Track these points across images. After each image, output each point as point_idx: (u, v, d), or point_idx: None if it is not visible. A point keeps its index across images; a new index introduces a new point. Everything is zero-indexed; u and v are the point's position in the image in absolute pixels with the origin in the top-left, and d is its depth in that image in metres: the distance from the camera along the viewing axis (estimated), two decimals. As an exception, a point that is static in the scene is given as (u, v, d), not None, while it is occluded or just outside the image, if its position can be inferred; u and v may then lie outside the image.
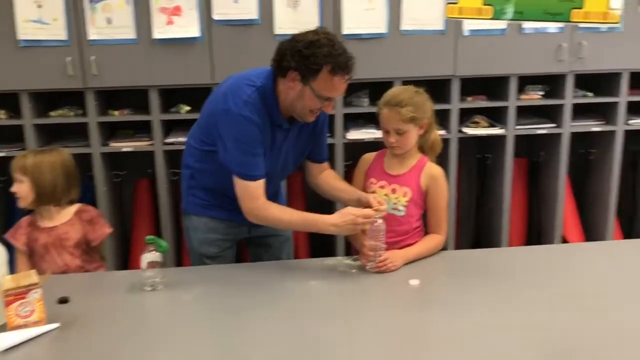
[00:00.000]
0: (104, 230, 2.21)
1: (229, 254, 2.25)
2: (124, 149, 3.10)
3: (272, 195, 2.08)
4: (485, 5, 1.65)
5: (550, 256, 2.20)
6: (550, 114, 3.36)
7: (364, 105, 3.22)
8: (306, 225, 2.04)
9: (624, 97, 3.25)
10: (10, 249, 1.98)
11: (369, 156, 2.25)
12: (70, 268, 2.13)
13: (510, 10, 1.63)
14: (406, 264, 2.01)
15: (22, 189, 2.12)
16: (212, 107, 2.02)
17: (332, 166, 3.21)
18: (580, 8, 1.56)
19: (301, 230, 1.97)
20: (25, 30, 2.86)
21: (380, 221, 1.94)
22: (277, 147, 2.05)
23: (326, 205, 3.47)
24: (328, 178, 2.25)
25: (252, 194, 1.97)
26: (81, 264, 2.16)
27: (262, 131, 1.95)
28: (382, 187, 2.14)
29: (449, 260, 2.14)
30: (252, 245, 2.35)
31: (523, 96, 3.27)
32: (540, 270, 2.00)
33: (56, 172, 2.13)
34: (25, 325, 1.59)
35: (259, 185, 1.97)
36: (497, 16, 1.66)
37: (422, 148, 2.17)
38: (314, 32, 1.89)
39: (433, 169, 2.12)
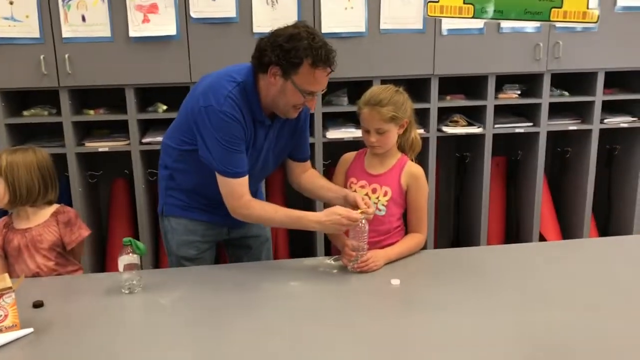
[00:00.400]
0: (81, 233, 2.15)
1: (208, 255, 2.23)
2: (100, 149, 3.05)
3: (252, 194, 2.05)
4: (465, 4, 1.66)
5: (528, 254, 2.22)
6: (528, 113, 3.39)
7: (343, 105, 3.21)
8: (291, 221, 2.01)
9: (599, 96, 3.29)
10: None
11: (349, 156, 2.24)
12: (42, 271, 2.08)
13: (490, 9, 1.64)
14: (387, 263, 2.01)
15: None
16: (191, 105, 1.98)
17: (312, 165, 3.21)
18: (559, 7, 1.57)
19: (285, 227, 1.95)
20: (-3, 28, 2.80)
21: (364, 222, 1.92)
22: (259, 145, 2.03)
23: (306, 204, 3.45)
24: (312, 177, 2.23)
25: (235, 191, 1.95)
26: (55, 267, 2.11)
27: (244, 127, 1.92)
28: (362, 186, 2.13)
29: (429, 259, 2.14)
30: (231, 246, 2.33)
31: (501, 95, 3.29)
32: (519, 269, 2.02)
33: (32, 172, 2.08)
34: (-2, 331, 1.55)
35: (242, 182, 1.95)
36: (477, 15, 1.66)
37: (401, 147, 2.16)
38: (294, 26, 1.87)
39: (413, 168, 2.12)
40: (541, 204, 3.44)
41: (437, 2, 1.72)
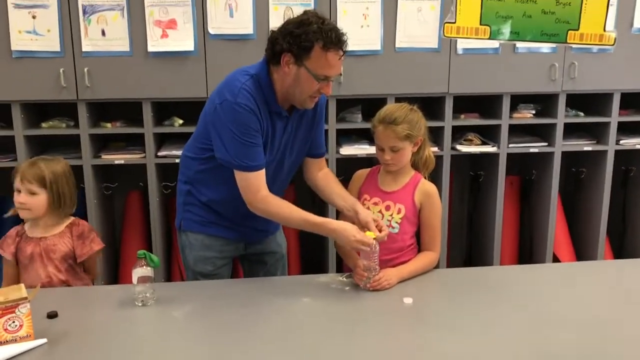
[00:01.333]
0: (92, 246, 2.14)
1: (225, 271, 2.22)
2: (116, 162, 3.08)
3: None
4: (482, 25, 1.67)
5: (541, 275, 2.20)
6: (543, 132, 3.38)
7: (357, 121, 3.23)
8: (307, 225, 1.98)
9: (615, 117, 3.28)
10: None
11: (362, 172, 2.25)
12: (53, 281, 2.09)
13: (507, 31, 1.65)
14: (400, 281, 2.00)
15: (36, 201, 2.06)
16: (208, 108, 2.01)
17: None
18: (576, 30, 1.58)
19: (299, 228, 1.94)
20: (19, 41, 2.85)
21: (375, 244, 1.92)
22: (278, 139, 2.01)
23: (317, 210, 3.46)
24: (327, 180, 2.21)
25: (252, 184, 1.94)
26: (65, 278, 2.11)
27: (259, 119, 1.92)
28: (375, 203, 2.13)
29: (442, 278, 2.14)
30: (247, 261, 2.33)
31: (515, 114, 3.29)
32: (532, 289, 2.00)
33: (70, 182, 2.12)
34: (13, 340, 1.56)
35: (258, 176, 1.94)
36: (494, 36, 1.67)
37: (415, 165, 2.17)
38: (304, 13, 1.91)
39: (427, 186, 2.12)
40: (555, 224, 3.42)
41: (454, 23, 1.73)
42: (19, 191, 2.08)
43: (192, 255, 2.18)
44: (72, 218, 2.18)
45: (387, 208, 2.11)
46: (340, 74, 1.97)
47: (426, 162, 2.17)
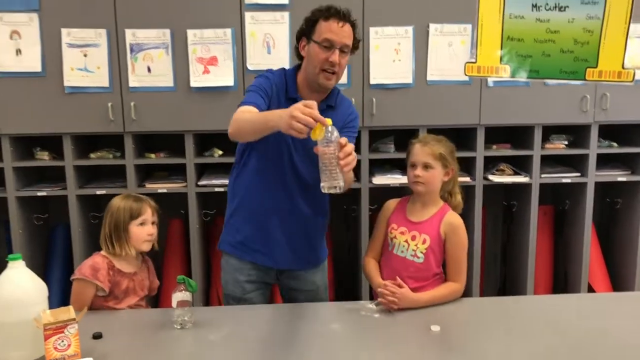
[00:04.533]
0: (156, 282, 2.29)
1: (256, 297, 2.28)
2: (159, 190, 3.22)
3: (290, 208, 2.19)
4: (502, 64, 1.75)
5: (576, 305, 2.20)
6: (575, 162, 3.39)
7: (389, 152, 3.30)
8: (258, 117, 1.95)
9: (649, 147, 3.27)
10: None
11: (392, 202, 2.32)
12: None
13: (526, 69, 1.72)
14: (416, 307, 2.05)
15: (156, 233, 2.20)
16: None
17: (358, 210, 3.30)
18: (594, 67, 1.64)
19: (259, 125, 1.92)
20: (71, 78, 3.04)
21: (330, 128, 1.78)
22: None
23: (350, 239, 3.54)
24: None
25: (237, 110, 2.02)
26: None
27: (271, 85, 2.12)
28: (402, 233, 2.20)
29: (471, 307, 2.16)
30: (284, 291, 2.38)
31: (548, 145, 3.32)
32: (566, 320, 2.00)
33: None
34: (62, 359, 1.67)
35: (245, 108, 2.01)
36: (514, 75, 1.74)
37: (444, 199, 2.23)
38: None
39: (452, 218, 2.17)
40: (590, 255, 3.40)
41: (475, 62, 1.81)
42: (142, 224, 2.17)
43: (225, 277, 2.29)
44: (142, 254, 2.26)
45: (413, 238, 2.17)
46: (350, 47, 2.09)
47: (456, 208, 2.23)
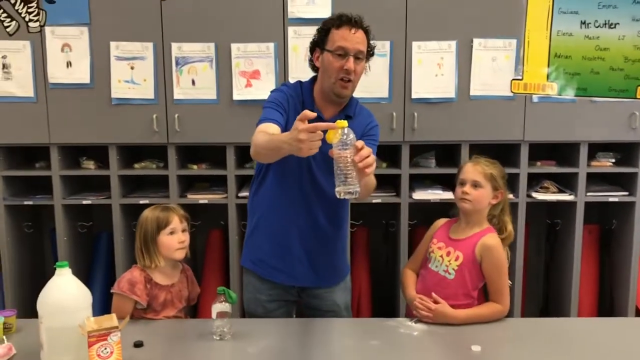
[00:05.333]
0: (197, 289, 2.29)
1: (279, 316, 2.26)
2: (200, 201, 3.26)
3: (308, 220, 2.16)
4: (549, 82, 1.72)
5: (622, 329, 2.13)
6: (623, 181, 3.29)
7: (430, 167, 3.27)
8: (272, 145, 1.87)
9: (702, 166, 3.16)
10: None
11: (441, 221, 2.31)
12: None
13: (574, 87, 1.68)
14: (451, 324, 2.03)
15: (188, 239, 2.20)
16: None
17: (397, 225, 3.27)
18: (646, 85, 1.60)
19: (273, 153, 1.88)
20: (118, 90, 3.12)
21: (346, 130, 1.73)
22: None
23: (389, 267, 3.51)
24: None
25: (256, 129, 1.99)
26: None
27: (287, 99, 2.11)
28: (440, 248, 2.19)
29: (513, 327, 2.11)
30: (307, 308, 2.35)
31: (594, 163, 3.23)
32: (611, 344, 1.94)
33: None
34: (104, 366, 1.70)
35: (264, 127, 1.99)
36: (561, 92, 1.71)
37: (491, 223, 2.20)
38: None
39: (488, 239, 2.12)
40: (638, 276, 3.29)
41: (521, 80, 1.79)
42: (172, 233, 2.15)
43: (246, 295, 2.29)
44: (180, 263, 2.27)
45: (448, 254, 2.15)
46: (365, 54, 2.07)
47: (506, 239, 2.18)
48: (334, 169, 1.78)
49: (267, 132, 1.95)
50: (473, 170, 2.14)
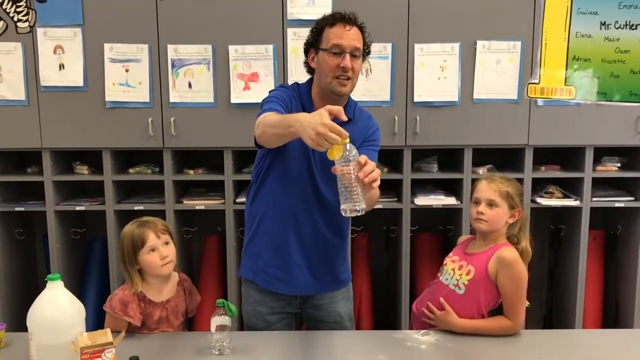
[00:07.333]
0: (197, 299, 2.18)
1: (280, 329, 2.19)
2: (197, 207, 3.19)
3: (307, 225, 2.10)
4: (567, 85, 1.65)
5: (627, 342, 2.06)
6: (628, 186, 3.24)
7: (432, 171, 3.21)
8: (282, 120, 1.83)
9: None
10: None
11: (463, 237, 2.26)
12: None
13: (593, 91, 1.62)
14: (459, 332, 1.99)
15: (172, 252, 2.05)
16: None
17: (398, 231, 3.20)
18: (667, 89, 1.53)
19: (280, 129, 1.81)
20: (112, 93, 3.04)
21: (348, 146, 1.68)
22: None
23: (391, 274, 3.44)
24: None
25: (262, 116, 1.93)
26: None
27: (289, 96, 2.05)
28: (453, 261, 2.11)
29: (525, 340, 2.02)
30: (308, 320, 2.28)
31: (599, 167, 3.18)
32: (616, 358, 1.89)
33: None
34: (98, 384, 1.62)
35: (267, 114, 1.93)
36: (580, 97, 1.64)
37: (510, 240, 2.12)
38: None
39: (503, 253, 2.01)
40: (644, 284, 3.24)
41: (538, 83, 1.71)
42: (154, 250, 2.01)
43: (246, 308, 2.21)
44: (177, 274, 2.17)
45: (460, 267, 2.07)
46: (362, 51, 2.01)
47: (522, 253, 2.09)
48: (337, 187, 1.73)
49: (265, 118, 1.91)
50: (488, 188, 2.04)
